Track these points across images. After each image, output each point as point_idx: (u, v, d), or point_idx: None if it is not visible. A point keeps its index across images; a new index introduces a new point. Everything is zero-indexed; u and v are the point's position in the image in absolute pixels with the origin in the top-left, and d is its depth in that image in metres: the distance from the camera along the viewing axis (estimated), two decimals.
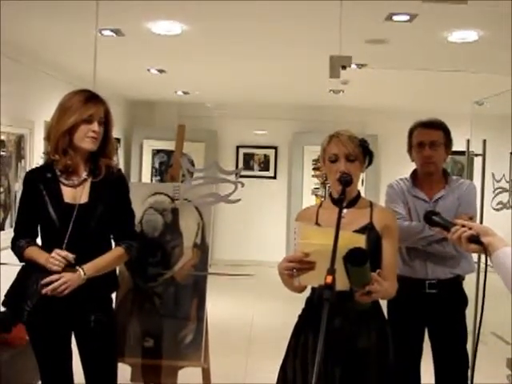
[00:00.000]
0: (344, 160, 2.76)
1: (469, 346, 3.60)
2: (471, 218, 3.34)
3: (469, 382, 3.50)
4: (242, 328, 6.82)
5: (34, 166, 3.34)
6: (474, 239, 2.15)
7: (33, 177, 3.05)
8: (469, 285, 4.74)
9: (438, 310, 3.51)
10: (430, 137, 3.55)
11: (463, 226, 2.20)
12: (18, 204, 3.15)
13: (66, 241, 2.92)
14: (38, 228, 3.07)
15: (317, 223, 2.81)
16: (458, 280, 3.58)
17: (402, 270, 3.52)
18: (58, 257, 2.87)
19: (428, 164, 3.56)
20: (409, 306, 3.48)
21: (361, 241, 2.42)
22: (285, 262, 2.55)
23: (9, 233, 3.09)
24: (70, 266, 2.89)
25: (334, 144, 2.79)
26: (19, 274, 3.07)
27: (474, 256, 3.80)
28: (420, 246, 3.45)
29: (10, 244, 3.09)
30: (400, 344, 3.26)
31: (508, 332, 5.39)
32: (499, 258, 2.07)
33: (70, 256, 2.88)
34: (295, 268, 2.50)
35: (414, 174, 3.67)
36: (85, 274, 2.93)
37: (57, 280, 2.87)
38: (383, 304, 2.90)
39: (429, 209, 3.43)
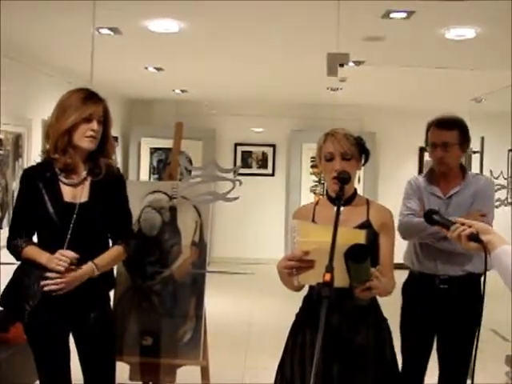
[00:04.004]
0: (340, 159, 2.75)
1: None
2: (484, 215, 3.33)
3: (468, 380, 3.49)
4: (241, 326, 6.82)
5: (31, 164, 3.32)
6: (474, 237, 2.15)
7: (31, 174, 3.04)
8: None
9: (451, 307, 3.49)
10: (442, 138, 3.51)
11: (463, 224, 2.20)
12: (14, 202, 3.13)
13: (67, 240, 2.91)
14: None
15: (313, 221, 2.81)
16: (471, 277, 3.49)
17: (415, 266, 3.55)
18: (63, 257, 2.86)
19: (440, 164, 3.55)
20: (422, 301, 3.49)
21: (361, 236, 2.42)
22: (284, 260, 2.55)
23: (7, 232, 3.07)
24: (71, 265, 2.89)
25: (329, 143, 2.78)
26: (16, 273, 3.05)
27: None
28: (430, 242, 3.45)
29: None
30: (411, 339, 3.29)
31: (507, 329, 5.40)
32: (499, 256, 2.07)
33: (75, 257, 2.88)
34: (295, 267, 2.50)
35: (431, 170, 3.66)
36: (98, 269, 2.95)
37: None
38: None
39: (442, 205, 3.47)
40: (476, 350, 2.21)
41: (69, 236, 2.91)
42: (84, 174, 3.03)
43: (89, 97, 2.96)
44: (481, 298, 3.51)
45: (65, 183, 3.00)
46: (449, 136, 3.52)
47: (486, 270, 2.20)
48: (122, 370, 3.67)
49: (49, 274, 2.87)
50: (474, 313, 3.43)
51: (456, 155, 3.56)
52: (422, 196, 3.58)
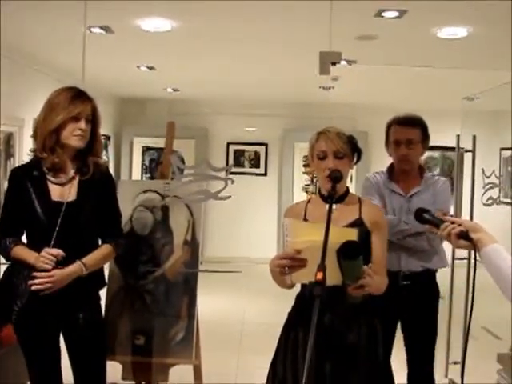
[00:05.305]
0: (332, 157, 2.76)
1: (459, 341, 3.62)
2: (445, 215, 3.37)
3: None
4: (233, 325, 6.82)
5: (19, 164, 3.31)
6: (464, 235, 2.16)
7: (19, 174, 3.03)
8: (460, 280, 4.76)
9: (412, 302, 3.55)
10: (406, 135, 3.55)
11: (453, 222, 2.21)
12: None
13: (53, 239, 2.90)
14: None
15: (305, 219, 2.81)
16: (429, 273, 3.61)
17: None
18: (49, 255, 2.85)
19: (404, 162, 3.59)
20: (384, 298, 3.51)
21: (353, 235, 2.42)
22: (276, 259, 2.55)
23: None
24: (58, 264, 2.88)
25: (322, 141, 2.79)
26: (5, 273, 3.04)
27: (448, 252, 3.84)
28: (395, 240, 3.47)
29: None
30: None
31: (498, 327, 5.41)
32: (488, 254, 2.08)
33: (61, 254, 2.87)
34: (287, 265, 2.50)
35: (391, 168, 3.69)
36: (86, 268, 2.94)
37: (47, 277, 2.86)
38: None
39: (404, 203, 3.53)
40: (466, 348, 2.22)
41: (55, 234, 2.90)
42: (72, 172, 3.01)
43: (77, 96, 2.95)
44: (438, 291, 3.62)
45: (53, 182, 2.98)
46: (412, 133, 3.56)
47: (475, 267, 2.21)
48: (115, 369, 3.66)
49: (36, 274, 2.86)
50: (434, 306, 3.64)
51: (419, 153, 3.62)
52: (382, 193, 3.61)
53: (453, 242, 2.20)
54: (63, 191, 2.98)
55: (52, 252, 2.87)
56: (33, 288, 2.86)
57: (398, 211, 3.52)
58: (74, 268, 2.92)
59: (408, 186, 3.61)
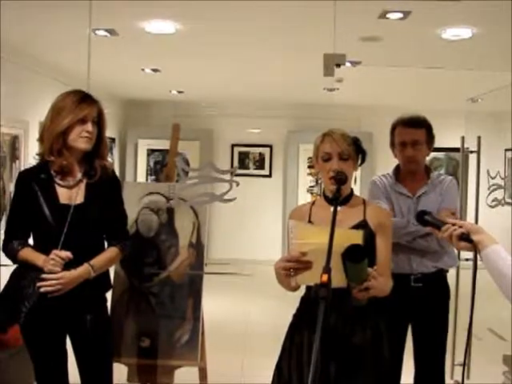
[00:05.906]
0: (337, 159, 2.76)
1: (462, 342, 3.60)
2: (453, 213, 3.37)
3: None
4: (239, 327, 6.82)
5: (26, 167, 3.32)
6: (465, 237, 2.17)
7: (26, 177, 3.04)
8: (465, 281, 4.76)
9: (424, 304, 3.53)
10: (412, 136, 3.54)
11: (454, 224, 2.22)
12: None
13: (61, 241, 2.91)
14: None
15: (309, 221, 2.81)
16: (441, 273, 3.60)
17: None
18: (57, 258, 2.86)
19: (410, 163, 3.58)
20: (396, 301, 3.51)
21: (358, 237, 2.42)
22: (282, 261, 2.55)
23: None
24: (65, 266, 2.89)
25: (327, 142, 2.79)
26: (12, 275, 3.05)
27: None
28: (404, 242, 3.46)
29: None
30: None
31: (504, 328, 5.40)
32: (489, 255, 2.10)
33: (69, 256, 2.88)
34: (292, 268, 2.51)
35: (397, 169, 3.68)
36: (94, 271, 2.95)
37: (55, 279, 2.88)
38: None
39: (412, 204, 3.52)
40: (467, 349, 2.22)
41: (63, 237, 2.91)
42: (79, 175, 3.03)
43: (83, 98, 2.96)
44: (449, 291, 3.61)
45: (60, 185, 3.00)
46: (418, 134, 3.55)
47: (476, 268, 2.22)
48: (120, 371, 3.67)
49: (45, 276, 2.87)
50: (445, 306, 3.62)
51: (425, 153, 3.61)
52: (389, 195, 3.60)
53: (454, 243, 2.22)
54: (71, 194, 3.00)
55: (61, 254, 2.87)
56: (42, 290, 2.88)
57: (406, 213, 3.51)
58: (83, 270, 2.93)
59: (415, 187, 3.60)
